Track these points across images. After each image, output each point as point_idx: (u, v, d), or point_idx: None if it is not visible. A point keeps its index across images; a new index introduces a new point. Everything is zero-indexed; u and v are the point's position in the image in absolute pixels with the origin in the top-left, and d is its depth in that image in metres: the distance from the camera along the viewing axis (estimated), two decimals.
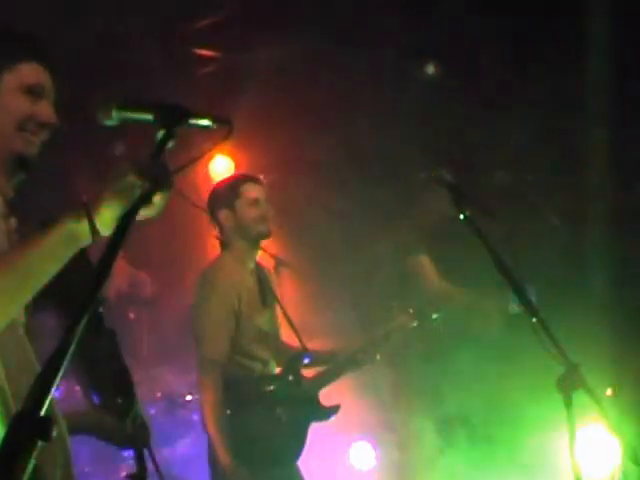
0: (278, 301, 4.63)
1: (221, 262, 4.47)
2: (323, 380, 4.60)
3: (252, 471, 4.15)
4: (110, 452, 5.55)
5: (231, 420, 4.20)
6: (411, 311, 4.79)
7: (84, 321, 1.58)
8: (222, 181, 4.73)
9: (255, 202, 4.40)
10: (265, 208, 4.44)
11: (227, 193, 4.44)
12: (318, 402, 4.56)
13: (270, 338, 4.51)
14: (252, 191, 4.43)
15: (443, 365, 5.35)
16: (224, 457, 4.13)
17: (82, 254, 2.04)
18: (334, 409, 4.58)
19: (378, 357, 4.66)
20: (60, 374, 1.52)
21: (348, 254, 6.49)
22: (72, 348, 1.53)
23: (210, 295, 4.34)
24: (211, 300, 4.32)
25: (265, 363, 4.45)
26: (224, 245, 4.48)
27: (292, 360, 4.52)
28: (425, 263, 5.41)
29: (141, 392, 5.80)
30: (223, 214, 4.40)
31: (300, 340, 4.58)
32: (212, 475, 4.32)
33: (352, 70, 6.31)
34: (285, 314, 4.65)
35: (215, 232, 4.57)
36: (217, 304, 4.30)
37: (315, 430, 4.72)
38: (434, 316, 4.88)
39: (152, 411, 5.72)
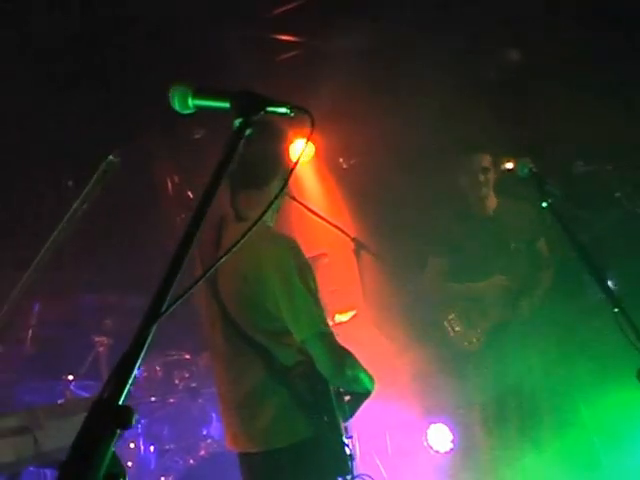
0: None
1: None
2: None
3: None
4: (190, 431, 5.66)
5: None
6: None
7: (162, 311, 1.58)
8: None
9: None
10: None
11: None
12: None
13: None
14: None
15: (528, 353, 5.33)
16: None
17: None
18: None
19: None
20: (139, 363, 1.52)
21: (429, 237, 6.44)
22: (150, 336, 1.54)
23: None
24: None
25: None
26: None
27: None
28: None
29: (207, 376, 5.86)
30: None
31: None
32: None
33: (432, 54, 6.24)
34: None
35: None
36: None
37: (393, 410, 4.59)
38: None
39: None
